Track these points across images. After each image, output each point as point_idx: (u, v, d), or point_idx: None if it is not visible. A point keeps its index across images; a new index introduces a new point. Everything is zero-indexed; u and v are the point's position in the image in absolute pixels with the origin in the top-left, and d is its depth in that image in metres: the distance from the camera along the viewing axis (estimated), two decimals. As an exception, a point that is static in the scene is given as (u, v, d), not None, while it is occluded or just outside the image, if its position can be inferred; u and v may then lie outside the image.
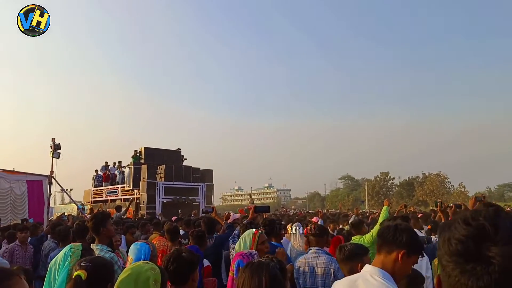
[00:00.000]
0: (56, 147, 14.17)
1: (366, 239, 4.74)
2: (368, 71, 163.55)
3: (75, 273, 2.08)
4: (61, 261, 2.68)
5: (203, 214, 10.77)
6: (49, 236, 6.90)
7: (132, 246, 3.09)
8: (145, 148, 21.74)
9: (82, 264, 2.18)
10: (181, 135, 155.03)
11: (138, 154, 21.58)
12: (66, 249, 2.82)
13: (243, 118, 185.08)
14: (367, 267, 2.06)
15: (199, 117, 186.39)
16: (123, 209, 13.76)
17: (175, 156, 22.54)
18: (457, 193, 58.05)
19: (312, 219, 8.83)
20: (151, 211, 18.08)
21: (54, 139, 14.28)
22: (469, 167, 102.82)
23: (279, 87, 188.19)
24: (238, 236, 4.42)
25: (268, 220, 4.60)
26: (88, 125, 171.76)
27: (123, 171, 21.85)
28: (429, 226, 6.27)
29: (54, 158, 14.03)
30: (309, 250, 3.74)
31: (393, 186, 72.17)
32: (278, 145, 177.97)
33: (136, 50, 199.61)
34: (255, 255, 2.69)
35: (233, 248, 4.19)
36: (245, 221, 4.66)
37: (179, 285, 2.49)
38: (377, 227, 4.81)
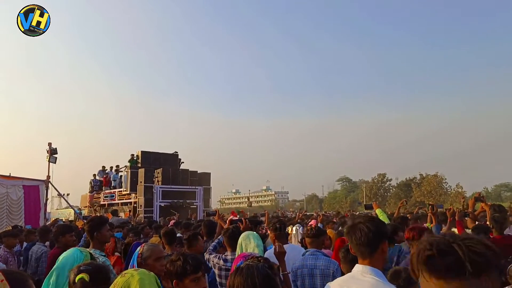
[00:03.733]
0: (52, 152, 14.12)
1: None
2: (365, 70, 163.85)
3: (79, 276, 2.16)
4: (72, 263, 2.64)
5: (207, 217, 10.75)
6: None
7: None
8: (142, 152, 21.71)
9: (82, 268, 2.28)
10: (178, 139, 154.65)
11: (135, 158, 21.56)
12: (75, 253, 2.78)
13: (241, 121, 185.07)
14: (357, 267, 2.08)
15: (196, 120, 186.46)
16: (120, 214, 13.76)
17: (172, 159, 22.50)
18: (455, 193, 58.13)
19: (310, 223, 8.75)
20: (148, 215, 18.04)
21: (51, 143, 14.25)
22: (466, 167, 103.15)
23: (276, 89, 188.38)
24: (215, 247, 4.37)
25: (280, 222, 4.41)
26: (84, 129, 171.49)
27: (121, 175, 21.81)
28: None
29: (50, 163, 13.99)
30: (307, 251, 3.73)
31: (391, 187, 72.32)
32: (275, 147, 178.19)
33: (132, 53, 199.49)
34: (256, 256, 2.69)
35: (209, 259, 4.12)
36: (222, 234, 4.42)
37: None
38: None
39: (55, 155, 14.10)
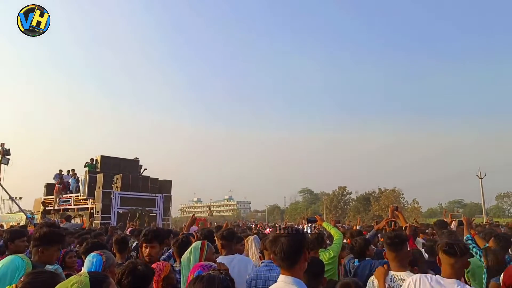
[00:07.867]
0: (5, 153, 13.56)
1: (334, 251, 4.64)
2: (327, 87, 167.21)
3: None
4: (12, 272, 2.51)
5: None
6: None
7: (86, 258, 2.95)
8: (102, 157, 21.19)
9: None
10: (140, 145, 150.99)
11: (94, 163, 20.98)
12: (15, 260, 2.65)
13: (205, 129, 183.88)
14: (281, 277, 2.20)
15: (159, 126, 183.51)
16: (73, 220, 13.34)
17: (132, 165, 22.08)
18: (411, 208, 60.00)
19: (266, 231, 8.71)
20: (105, 221, 17.56)
21: (4, 144, 13.67)
22: (422, 183, 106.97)
23: (241, 99, 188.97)
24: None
25: (226, 232, 4.32)
26: (40, 131, 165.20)
27: (78, 180, 21.15)
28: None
29: (2, 164, 13.40)
30: (262, 263, 3.72)
31: (350, 200, 73.73)
32: (239, 157, 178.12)
33: (94, 54, 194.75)
34: (215, 267, 2.68)
35: None
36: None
37: None
38: (339, 240, 4.83)
39: (7, 156, 13.53)
